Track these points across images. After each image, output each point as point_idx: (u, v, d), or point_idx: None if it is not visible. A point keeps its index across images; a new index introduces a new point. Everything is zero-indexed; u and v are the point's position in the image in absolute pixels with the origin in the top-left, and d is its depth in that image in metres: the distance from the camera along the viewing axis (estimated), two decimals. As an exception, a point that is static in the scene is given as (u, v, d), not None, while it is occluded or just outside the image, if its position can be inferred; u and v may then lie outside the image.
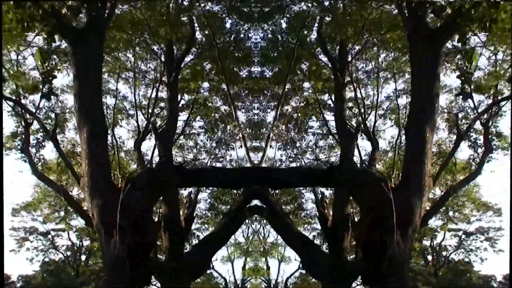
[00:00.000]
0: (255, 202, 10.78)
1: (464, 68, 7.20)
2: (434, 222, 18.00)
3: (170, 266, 8.71)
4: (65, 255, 20.04)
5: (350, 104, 13.80)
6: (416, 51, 7.52)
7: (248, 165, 11.18)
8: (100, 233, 6.83)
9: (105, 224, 6.74)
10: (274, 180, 8.21)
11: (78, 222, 18.09)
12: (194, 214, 12.18)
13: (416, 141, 7.09)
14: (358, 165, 11.63)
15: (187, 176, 7.80)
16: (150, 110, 12.47)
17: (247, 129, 14.09)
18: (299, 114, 14.74)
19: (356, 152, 11.80)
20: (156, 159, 11.98)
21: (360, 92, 13.03)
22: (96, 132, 6.90)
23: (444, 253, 20.18)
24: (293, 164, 14.52)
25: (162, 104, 13.93)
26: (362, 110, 12.40)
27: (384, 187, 6.82)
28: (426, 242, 19.84)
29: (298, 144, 14.99)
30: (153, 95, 12.84)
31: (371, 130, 11.76)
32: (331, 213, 11.75)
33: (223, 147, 14.92)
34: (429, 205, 12.31)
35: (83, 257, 20.03)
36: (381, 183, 6.90)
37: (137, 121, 12.75)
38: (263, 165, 11.61)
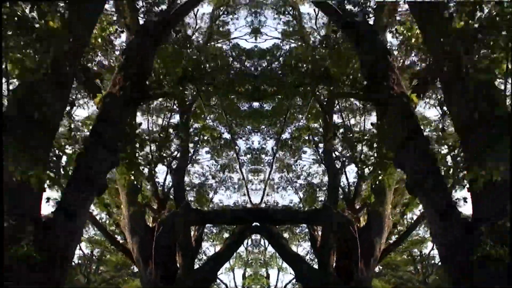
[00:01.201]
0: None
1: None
2: (423, 233, 21.11)
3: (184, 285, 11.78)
4: (75, 262, 22.96)
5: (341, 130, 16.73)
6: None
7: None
8: (139, 262, 9.97)
9: (143, 257, 9.87)
10: (273, 218, 11.39)
11: (88, 233, 21.14)
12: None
13: (380, 193, 10.15)
14: (347, 186, 14.73)
15: (203, 217, 10.95)
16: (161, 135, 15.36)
17: (247, 155, 17.30)
18: (294, 142, 17.77)
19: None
20: (168, 180, 15.06)
21: (349, 123, 16.01)
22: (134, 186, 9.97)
23: (432, 262, 23.19)
24: (289, 187, 17.72)
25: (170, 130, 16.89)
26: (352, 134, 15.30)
27: (351, 229, 9.93)
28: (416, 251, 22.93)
29: (293, 168, 18.12)
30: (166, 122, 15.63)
31: (358, 159, 14.73)
32: (320, 234, 14.92)
33: (227, 171, 18.05)
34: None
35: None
36: (349, 225, 10.01)
37: (150, 152, 15.70)
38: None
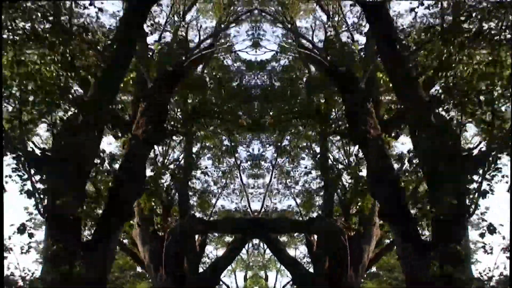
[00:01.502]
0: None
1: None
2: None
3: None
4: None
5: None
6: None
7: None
8: (150, 268, 11.28)
9: (153, 263, 11.20)
10: (271, 228, 12.76)
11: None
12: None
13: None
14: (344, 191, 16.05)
15: (208, 227, 12.27)
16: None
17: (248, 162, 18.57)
18: (293, 148, 19.05)
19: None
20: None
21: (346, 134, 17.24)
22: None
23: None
24: (287, 192, 19.09)
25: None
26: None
27: (341, 238, 11.24)
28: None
29: (291, 174, 19.43)
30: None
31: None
32: (316, 239, 16.25)
33: (228, 176, 19.33)
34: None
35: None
36: (340, 235, 11.33)
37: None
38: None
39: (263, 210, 16.86)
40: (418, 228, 6.74)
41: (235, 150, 18.16)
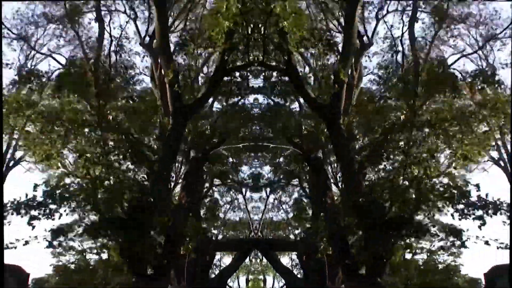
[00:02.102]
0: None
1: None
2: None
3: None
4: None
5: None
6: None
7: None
8: (174, 281, 15.58)
9: (177, 275, 15.48)
10: (269, 245, 17.08)
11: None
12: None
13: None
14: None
15: (219, 247, 16.60)
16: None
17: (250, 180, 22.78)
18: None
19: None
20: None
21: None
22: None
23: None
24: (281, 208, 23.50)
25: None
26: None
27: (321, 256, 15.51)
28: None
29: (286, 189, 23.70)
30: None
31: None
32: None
33: (233, 192, 23.55)
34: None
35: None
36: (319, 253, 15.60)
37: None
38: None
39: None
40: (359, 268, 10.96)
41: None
